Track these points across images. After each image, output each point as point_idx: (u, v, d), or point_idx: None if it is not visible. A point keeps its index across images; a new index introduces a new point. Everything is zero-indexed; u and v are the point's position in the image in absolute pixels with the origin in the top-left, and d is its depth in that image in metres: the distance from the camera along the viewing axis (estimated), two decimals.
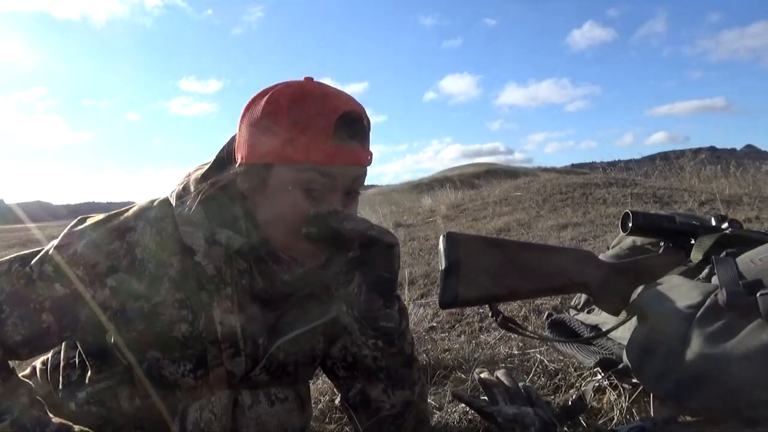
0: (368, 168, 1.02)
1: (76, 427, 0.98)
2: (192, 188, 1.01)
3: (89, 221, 1.00)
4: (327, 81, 1.03)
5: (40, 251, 0.98)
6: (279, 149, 0.93)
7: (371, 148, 1.01)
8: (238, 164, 0.99)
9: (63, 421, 0.99)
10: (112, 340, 0.99)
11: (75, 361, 1.10)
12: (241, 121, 0.99)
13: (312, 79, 0.99)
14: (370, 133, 1.01)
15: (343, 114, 0.93)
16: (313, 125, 0.92)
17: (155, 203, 1.02)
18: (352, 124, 0.95)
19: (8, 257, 0.99)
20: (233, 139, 1.03)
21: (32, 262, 0.95)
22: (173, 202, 1.01)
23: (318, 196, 0.95)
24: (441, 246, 1.31)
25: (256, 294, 1.02)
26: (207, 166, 1.05)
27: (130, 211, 1.00)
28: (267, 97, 0.96)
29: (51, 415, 0.98)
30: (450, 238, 1.30)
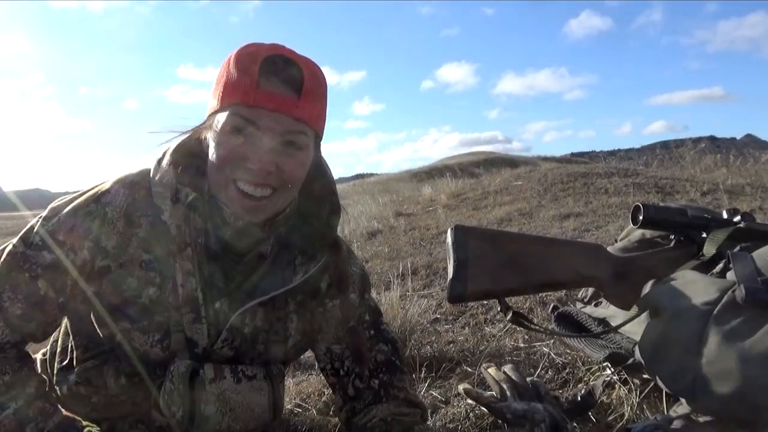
0: (313, 127, 0.97)
1: (83, 423, 0.98)
2: (168, 154, 1.03)
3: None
4: (325, 69, 1.01)
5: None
6: (217, 96, 0.95)
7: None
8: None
9: (69, 414, 1.01)
10: (92, 314, 1.02)
11: (69, 347, 1.10)
12: None
13: (276, 44, 0.97)
14: (326, 95, 0.98)
15: (270, 56, 0.93)
16: (241, 69, 0.92)
17: (137, 170, 1.05)
18: (278, 66, 0.93)
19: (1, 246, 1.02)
20: None
21: (18, 237, 0.99)
22: (152, 167, 1.03)
23: (248, 141, 0.93)
24: (449, 239, 1.28)
25: (213, 253, 1.03)
26: (187, 135, 1.06)
27: (112, 178, 1.04)
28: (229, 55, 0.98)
29: (59, 408, 1.01)
30: (458, 231, 1.27)
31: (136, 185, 1.01)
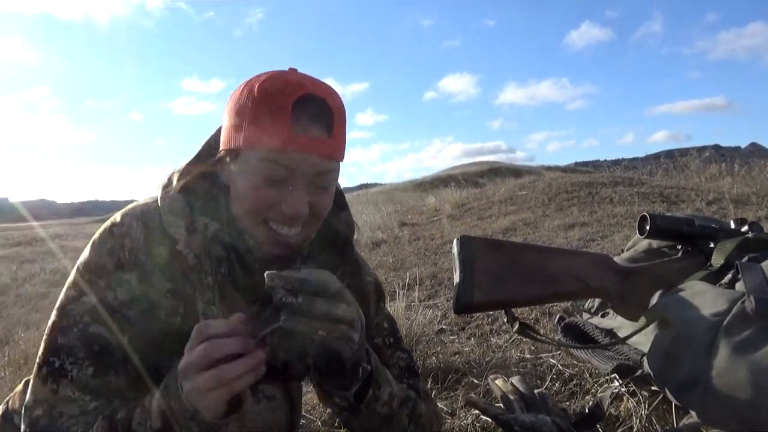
0: (340, 163, 0.96)
1: None
2: (175, 179, 1.00)
3: None
4: (329, 81, 0.98)
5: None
6: (243, 134, 0.91)
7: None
8: (218, 153, 0.98)
9: None
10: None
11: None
12: (225, 111, 0.98)
13: (296, 70, 0.95)
14: (346, 126, 0.95)
15: (302, 96, 0.89)
16: (272, 110, 0.88)
17: (142, 200, 1.03)
18: (310, 107, 0.90)
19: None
20: (219, 130, 1.01)
21: (54, 311, 0.96)
22: (159, 194, 1.00)
23: (278, 185, 0.91)
24: (455, 249, 1.27)
25: (237, 283, 1.01)
26: (192, 158, 1.04)
27: (119, 211, 1.01)
28: (247, 86, 0.94)
29: None
30: (464, 241, 1.27)
31: (146, 215, 0.98)
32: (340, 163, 0.98)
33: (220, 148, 0.97)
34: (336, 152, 0.93)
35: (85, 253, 0.97)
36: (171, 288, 0.96)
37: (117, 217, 0.99)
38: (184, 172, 1.01)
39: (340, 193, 1.11)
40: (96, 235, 0.98)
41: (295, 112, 0.88)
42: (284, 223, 0.94)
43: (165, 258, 0.96)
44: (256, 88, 0.91)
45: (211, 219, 0.98)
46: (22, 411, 0.93)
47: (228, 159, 0.96)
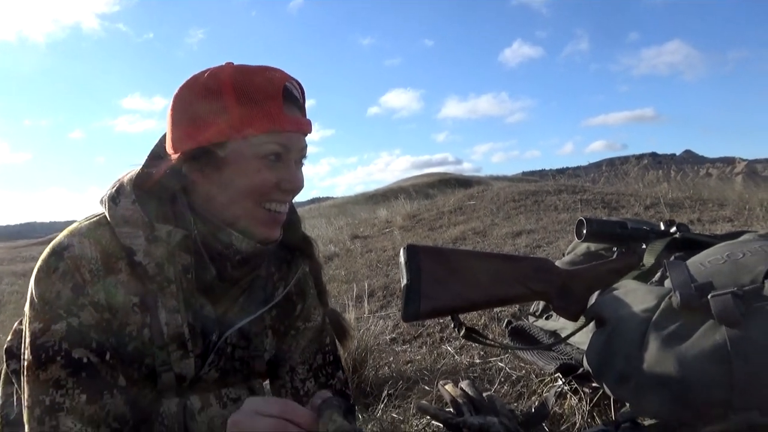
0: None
1: None
2: (128, 188, 0.97)
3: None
4: None
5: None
6: (233, 125, 0.92)
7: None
8: (175, 156, 0.96)
9: None
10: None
11: (13, 399, 1.04)
12: (173, 115, 0.97)
13: (232, 63, 0.98)
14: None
15: (287, 83, 0.96)
16: (264, 97, 0.92)
17: (83, 220, 0.99)
18: (293, 92, 0.97)
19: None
20: (164, 137, 1.01)
21: (27, 339, 0.90)
22: (106, 206, 0.97)
23: (276, 165, 0.95)
24: (402, 258, 1.30)
25: (207, 285, 0.99)
26: (139, 168, 1.01)
27: (60, 235, 0.96)
28: (201, 82, 0.94)
29: None
30: (411, 250, 1.30)
31: (95, 231, 0.94)
32: None
33: (182, 151, 0.95)
34: (309, 130, 1.01)
35: (35, 286, 0.91)
36: (137, 302, 0.94)
37: (62, 240, 0.94)
38: (135, 180, 0.98)
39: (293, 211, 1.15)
40: (41, 263, 0.92)
41: (284, 96, 0.94)
42: (281, 201, 0.98)
43: (126, 271, 0.94)
44: (232, 82, 0.92)
45: (175, 226, 0.95)
46: None
47: (202, 157, 0.94)
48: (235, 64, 0.97)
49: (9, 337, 1.09)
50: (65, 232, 0.96)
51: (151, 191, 0.97)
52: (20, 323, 1.09)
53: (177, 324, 0.97)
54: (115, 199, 0.97)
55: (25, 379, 0.89)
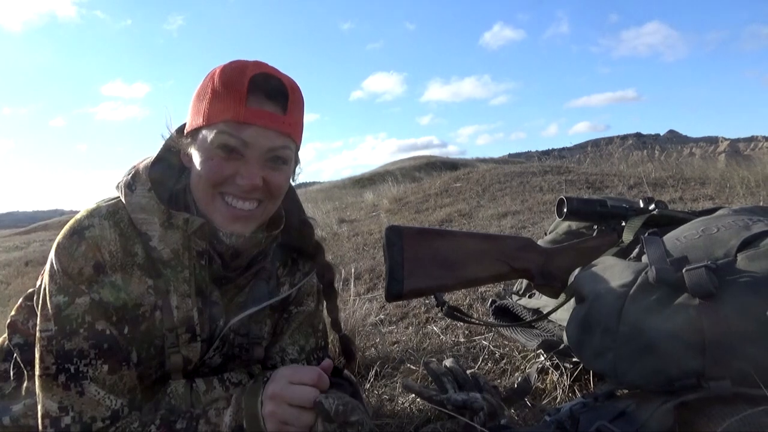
0: (296, 141, 1.00)
1: None
2: (143, 176, 1.01)
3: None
4: None
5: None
6: (202, 112, 0.95)
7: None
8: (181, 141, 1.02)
9: None
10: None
11: (10, 374, 1.06)
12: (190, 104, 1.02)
13: (260, 61, 0.99)
14: (303, 108, 1.01)
15: (257, 74, 0.94)
16: (229, 86, 0.93)
17: (101, 201, 1.02)
18: (267, 85, 0.95)
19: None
20: (177, 129, 1.05)
21: (40, 321, 0.94)
22: (122, 193, 1.00)
23: (234, 158, 0.95)
24: (384, 240, 1.31)
25: (215, 273, 1.03)
26: (154, 156, 1.05)
27: (79, 214, 1.00)
28: (209, 73, 0.98)
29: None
30: (393, 231, 1.31)
31: (114, 214, 0.98)
32: (299, 148, 1.04)
33: (186, 132, 1.01)
34: (291, 130, 0.97)
35: (56, 260, 0.94)
36: (151, 284, 0.99)
37: (82, 220, 0.97)
38: (151, 167, 1.02)
39: (301, 209, 1.18)
40: (62, 240, 0.95)
41: (252, 87, 0.93)
42: (239, 197, 0.97)
43: (142, 255, 0.98)
44: (218, 72, 0.95)
45: (188, 213, 0.99)
46: (40, 421, 0.91)
47: (189, 140, 0.99)
48: (259, 61, 0.99)
49: (12, 313, 1.12)
50: (83, 212, 1.00)
51: (164, 177, 1.02)
52: (26, 299, 1.13)
53: (187, 308, 1.01)
54: (131, 186, 1.00)
55: (46, 346, 0.92)
